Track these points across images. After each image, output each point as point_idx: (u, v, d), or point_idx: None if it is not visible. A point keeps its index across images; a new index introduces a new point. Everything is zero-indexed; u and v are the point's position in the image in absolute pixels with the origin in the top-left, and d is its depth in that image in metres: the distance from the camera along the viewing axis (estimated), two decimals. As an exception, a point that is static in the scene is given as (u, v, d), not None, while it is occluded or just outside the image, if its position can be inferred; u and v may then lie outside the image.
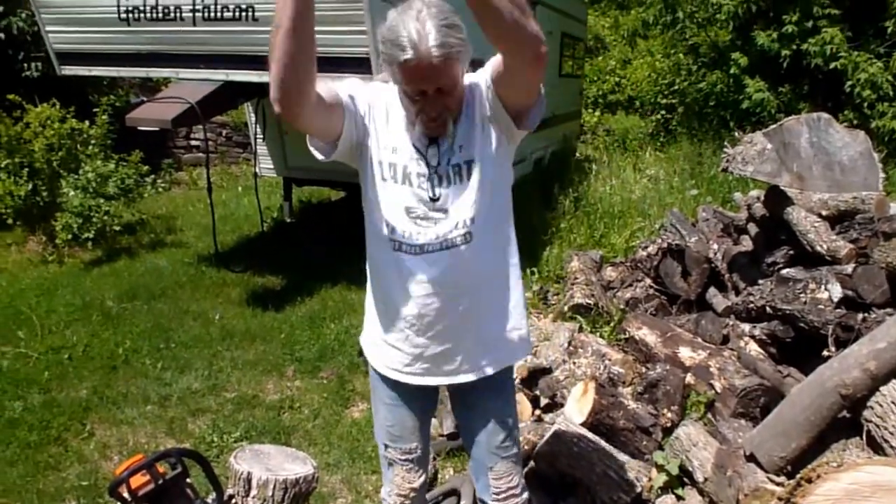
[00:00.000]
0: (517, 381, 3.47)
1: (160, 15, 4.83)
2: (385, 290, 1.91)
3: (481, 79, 1.74)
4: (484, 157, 1.78)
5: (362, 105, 1.78)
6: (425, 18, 1.53)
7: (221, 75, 4.99)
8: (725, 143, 3.94)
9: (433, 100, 1.64)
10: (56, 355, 4.48)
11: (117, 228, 6.75)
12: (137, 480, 1.95)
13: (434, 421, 3.43)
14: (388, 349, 1.97)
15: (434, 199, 1.78)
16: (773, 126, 3.70)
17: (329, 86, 1.69)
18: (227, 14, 4.56)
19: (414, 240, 1.79)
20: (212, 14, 4.63)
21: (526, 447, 2.96)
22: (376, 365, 2.04)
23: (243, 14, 4.50)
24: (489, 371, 1.97)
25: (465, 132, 1.78)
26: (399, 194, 1.79)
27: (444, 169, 1.77)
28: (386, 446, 2.12)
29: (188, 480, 2.07)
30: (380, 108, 1.81)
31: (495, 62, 1.65)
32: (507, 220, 1.92)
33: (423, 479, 2.16)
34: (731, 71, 9.10)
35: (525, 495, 2.12)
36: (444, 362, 1.93)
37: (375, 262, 1.93)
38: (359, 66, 4.18)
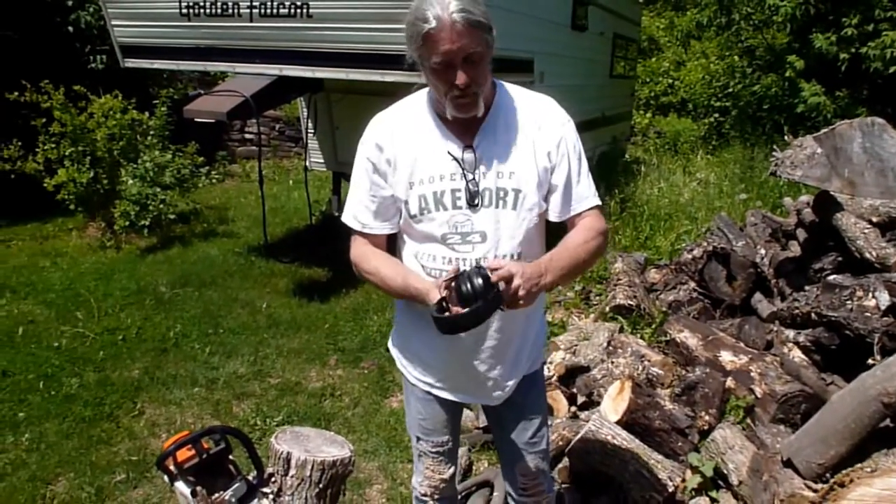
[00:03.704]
0: (555, 378, 3.50)
1: (219, 11, 4.99)
2: (421, 311, 1.84)
3: (554, 139, 1.77)
4: (531, 187, 1.76)
5: (385, 174, 1.79)
6: None
7: (275, 70, 5.11)
8: (775, 147, 3.88)
9: (461, 69, 1.61)
10: (111, 336, 4.68)
11: (172, 217, 6.98)
12: (183, 454, 2.03)
13: (470, 413, 3.47)
14: (419, 362, 2.01)
15: (473, 206, 1.73)
16: (825, 130, 3.63)
17: (373, 225, 1.85)
18: (283, 11, 4.68)
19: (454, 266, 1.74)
20: (268, 10, 4.76)
21: (560, 443, 2.99)
22: (409, 373, 2.07)
23: (298, 11, 4.60)
24: (520, 378, 2.00)
25: (518, 156, 1.75)
26: (434, 224, 1.76)
27: (481, 181, 1.73)
28: (418, 439, 2.15)
29: (231, 457, 2.15)
30: (403, 149, 1.76)
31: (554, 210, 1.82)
32: (543, 248, 1.88)
33: (452, 470, 2.19)
34: (787, 74, 8.91)
35: (553, 492, 2.15)
36: (477, 388, 1.96)
37: None
38: (403, 63, 4.24)
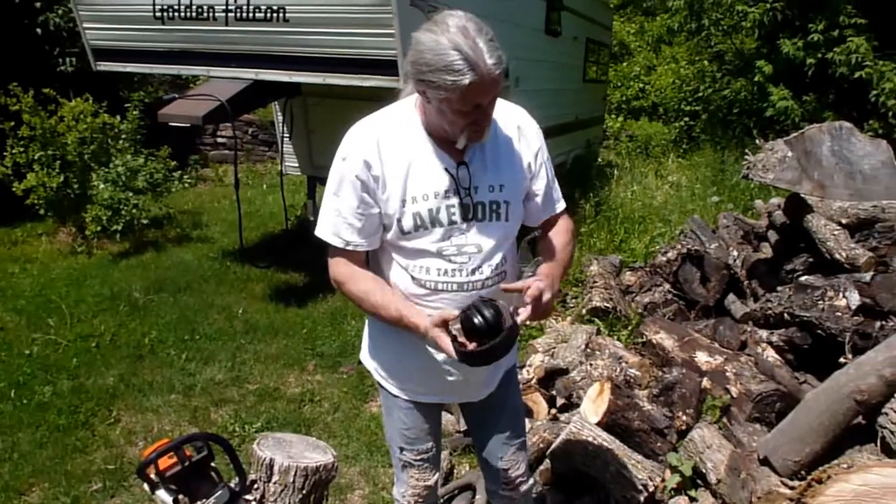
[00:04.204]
0: (534, 380, 3.52)
1: (194, 14, 4.93)
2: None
3: (533, 151, 1.83)
4: (518, 197, 1.82)
5: (374, 192, 1.72)
6: (473, 35, 1.49)
7: (251, 74, 5.07)
8: (747, 151, 3.96)
9: (486, 109, 1.61)
10: (84, 343, 4.60)
11: (145, 222, 6.88)
12: (165, 462, 2.01)
13: (451, 417, 3.48)
14: (400, 370, 2.00)
15: (467, 220, 1.74)
16: (795, 134, 3.72)
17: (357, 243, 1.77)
18: (259, 15, 4.64)
19: (451, 277, 1.76)
20: (244, 14, 4.71)
21: (541, 445, 3.01)
22: (389, 385, 2.05)
23: (274, 15, 4.57)
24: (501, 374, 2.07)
25: (505, 169, 1.78)
26: (428, 239, 1.74)
27: (475, 196, 1.74)
28: (401, 449, 2.12)
29: (213, 464, 2.13)
30: (391, 165, 1.70)
31: (533, 212, 1.91)
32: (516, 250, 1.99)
33: (436, 476, 2.19)
34: (756, 79, 9.09)
35: (531, 481, 2.21)
36: (463, 387, 1.99)
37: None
38: (386, 68, 4.24)
